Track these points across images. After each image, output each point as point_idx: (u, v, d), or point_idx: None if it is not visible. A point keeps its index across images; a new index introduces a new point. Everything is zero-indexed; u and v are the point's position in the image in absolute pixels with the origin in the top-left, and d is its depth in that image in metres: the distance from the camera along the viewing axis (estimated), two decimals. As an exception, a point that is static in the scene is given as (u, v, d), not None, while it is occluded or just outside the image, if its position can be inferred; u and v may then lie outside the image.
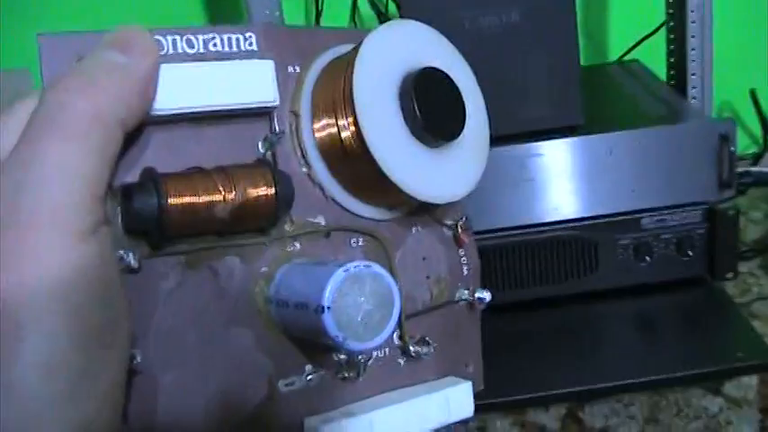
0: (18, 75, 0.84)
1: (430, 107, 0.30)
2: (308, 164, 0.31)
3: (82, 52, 0.26)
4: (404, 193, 0.30)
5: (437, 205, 0.33)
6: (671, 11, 0.98)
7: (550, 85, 0.74)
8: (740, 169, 0.93)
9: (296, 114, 0.30)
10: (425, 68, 0.30)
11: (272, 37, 0.30)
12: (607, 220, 0.73)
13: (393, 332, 0.29)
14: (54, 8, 1.03)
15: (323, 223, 0.31)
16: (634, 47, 1.06)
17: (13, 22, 0.98)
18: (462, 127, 0.32)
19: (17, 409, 0.22)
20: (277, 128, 0.30)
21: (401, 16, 0.77)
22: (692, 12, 0.93)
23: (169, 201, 0.26)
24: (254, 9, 0.87)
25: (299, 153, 0.31)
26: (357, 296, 0.27)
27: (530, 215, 0.73)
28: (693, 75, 0.95)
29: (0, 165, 0.23)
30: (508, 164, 0.71)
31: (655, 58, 1.01)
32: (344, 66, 0.30)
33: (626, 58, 1.07)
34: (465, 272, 0.36)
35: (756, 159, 1.06)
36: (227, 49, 0.29)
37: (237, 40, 0.29)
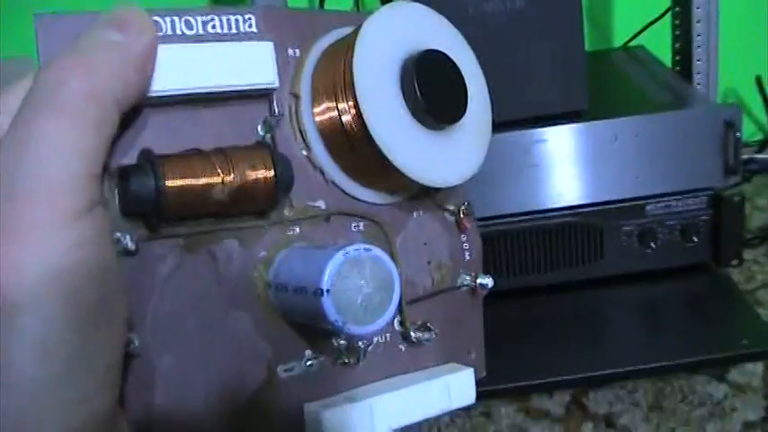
0: (21, 62, 0.84)
1: (431, 90, 0.30)
2: (308, 147, 0.30)
3: (79, 32, 0.25)
4: (405, 177, 0.30)
5: (439, 189, 0.33)
6: (676, -4, 0.97)
7: (555, 71, 0.74)
8: (745, 156, 0.92)
9: (296, 97, 0.30)
10: (427, 50, 0.30)
11: (272, 19, 0.30)
12: (612, 206, 0.73)
13: (393, 316, 0.29)
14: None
15: (323, 207, 0.31)
16: (639, 33, 1.06)
17: (15, 10, 0.98)
18: (464, 110, 0.31)
19: (14, 391, 0.22)
20: (276, 110, 0.30)
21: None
22: (698, -3, 0.92)
23: (166, 183, 0.26)
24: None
25: (299, 136, 0.30)
26: (357, 279, 0.26)
27: (534, 201, 0.72)
28: (699, 61, 0.94)
29: None
30: (513, 149, 0.71)
31: (660, 44, 1.00)
32: (345, 48, 0.29)
33: (631, 44, 1.07)
34: (467, 257, 0.36)
35: (762, 146, 1.05)
36: (226, 30, 0.29)
37: (237, 21, 0.29)
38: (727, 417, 0.63)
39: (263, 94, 0.30)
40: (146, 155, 0.26)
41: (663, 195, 0.73)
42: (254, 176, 0.27)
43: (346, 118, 0.29)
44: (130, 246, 0.26)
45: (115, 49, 0.25)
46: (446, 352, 0.35)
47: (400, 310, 0.33)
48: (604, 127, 0.72)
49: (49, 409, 0.22)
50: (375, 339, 0.32)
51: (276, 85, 0.29)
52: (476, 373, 0.34)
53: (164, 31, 0.27)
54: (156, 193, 0.25)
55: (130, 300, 0.26)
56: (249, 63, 0.29)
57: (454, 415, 0.66)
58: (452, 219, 0.35)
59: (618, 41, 1.14)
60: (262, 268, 0.29)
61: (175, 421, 0.27)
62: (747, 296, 0.76)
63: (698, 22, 0.93)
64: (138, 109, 0.27)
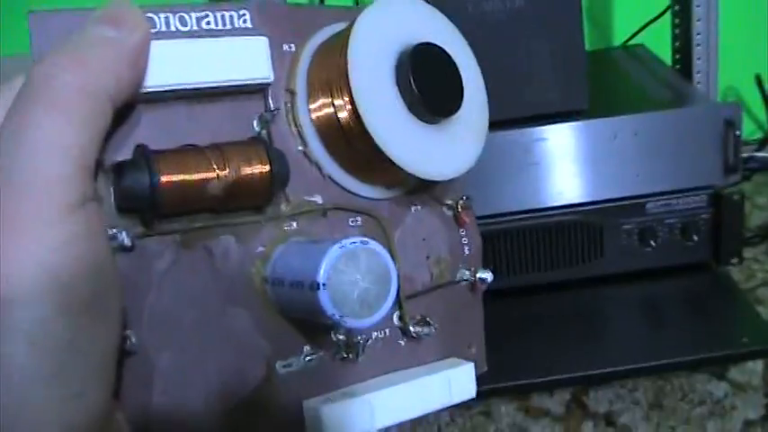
0: (21, 61, 0.84)
1: (427, 83, 0.30)
2: (304, 142, 0.30)
3: (72, 29, 0.25)
4: (402, 171, 0.30)
5: (436, 183, 0.33)
6: (676, -5, 0.97)
7: (555, 70, 0.74)
8: (745, 155, 0.92)
9: (292, 93, 0.30)
10: (421, 44, 0.30)
11: (267, 14, 0.30)
12: (612, 204, 0.73)
13: (390, 310, 0.29)
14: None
15: (320, 202, 0.31)
16: (639, 31, 1.06)
17: (15, 9, 0.98)
18: (460, 102, 0.31)
19: (8, 385, 0.22)
20: (272, 106, 0.30)
21: None
22: (698, -4, 0.92)
23: (161, 178, 0.26)
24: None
25: (295, 132, 0.30)
26: (353, 273, 0.26)
27: (534, 199, 0.72)
28: (698, 59, 0.94)
29: None
30: (513, 148, 0.71)
31: (660, 42, 1.00)
32: (339, 44, 0.29)
33: (631, 42, 1.07)
34: (466, 252, 0.36)
35: (762, 145, 1.05)
36: (220, 26, 0.29)
37: (231, 17, 0.29)
38: (727, 415, 0.63)
39: (259, 90, 0.30)
40: (140, 151, 0.26)
41: (663, 194, 0.73)
42: (249, 171, 0.27)
43: (342, 114, 0.29)
44: (126, 242, 0.26)
45: (108, 45, 0.25)
46: (446, 347, 0.35)
47: (399, 305, 0.33)
48: (604, 125, 0.72)
49: (43, 403, 0.22)
50: (374, 334, 0.32)
51: (271, 80, 0.29)
52: (477, 367, 0.34)
53: (158, 27, 0.27)
54: (150, 189, 0.25)
55: (127, 296, 0.26)
56: (244, 58, 0.28)
57: (455, 414, 0.66)
58: (451, 213, 0.35)
59: (618, 40, 1.14)
60: (259, 264, 0.29)
61: (174, 418, 0.27)
62: (747, 294, 0.76)
63: (698, 20, 0.93)
64: (133, 105, 0.27)
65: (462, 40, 0.33)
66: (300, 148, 0.30)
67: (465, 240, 0.36)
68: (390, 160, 0.29)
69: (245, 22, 0.29)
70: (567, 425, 0.64)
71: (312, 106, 0.30)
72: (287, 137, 0.30)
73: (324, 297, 0.26)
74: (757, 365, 0.67)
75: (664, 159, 0.73)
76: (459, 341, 0.35)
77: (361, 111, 0.28)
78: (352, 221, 0.32)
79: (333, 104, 0.29)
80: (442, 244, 0.35)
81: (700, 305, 0.74)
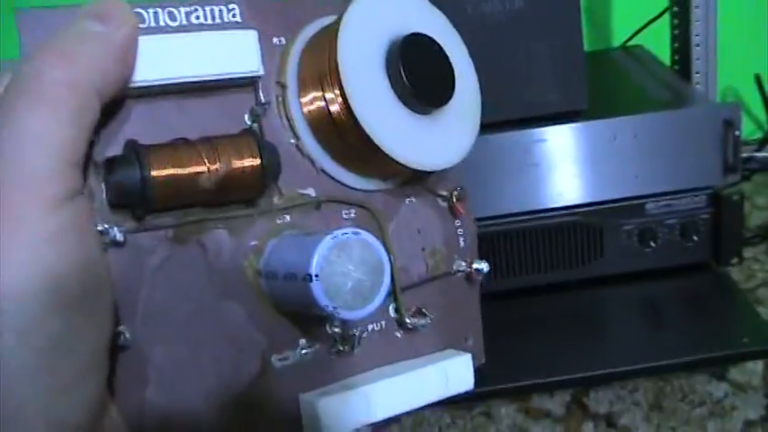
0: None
1: (418, 73, 0.29)
2: (296, 135, 0.30)
3: (60, 26, 0.25)
4: (395, 163, 0.29)
5: (430, 173, 0.33)
6: (675, -5, 0.98)
7: (554, 71, 0.74)
8: (745, 155, 0.92)
9: (282, 86, 0.30)
10: (412, 34, 0.30)
11: (256, 8, 0.30)
12: (611, 205, 0.73)
13: (386, 302, 0.29)
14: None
15: (313, 195, 0.31)
16: (638, 32, 1.06)
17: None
18: (452, 92, 0.31)
19: None
20: (263, 99, 0.30)
21: None
22: (697, -4, 0.93)
23: (152, 172, 0.26)
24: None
25: (286, 125, 0.30)
26: (345, 264, 0.26)
27: (534, 201, 0.73)
28: (697, 60, 0.95)
29: None
30: (513, 149, 0.71)
31: (659, 43, 1.00)
32: (329, 36, 0.29)
33: (630, 43, 1.07)
34: (461, 243, 0.35)
35: (761, 145, 1.05)
36: (209, 21, 0.29)
37: (221, 11, 0.29)
38: (727, 416, 0.63)
39: (249, 84, 0.29)
40: (131, 145, 0.26)
41: (662, 194, 0.73)
42: (240, 164, 0.27)
43: (333, 106, 0.29)
44: (118, 237, 0.26)
45: (95, 40, 0.25)
46: (443, 338, 0.34)
47: (395, 296, 0.33)
48: (604, 126, 0.72)
49: (31, 399, 0.22)
50: (370, 327, 0.32)
51: (261, 73, 0.29)
52: (474, 359, 0.33)
53: (147, 22, 0.27)
54: (141, 184, 0.25)
55: (120, 292, 0.26)
56: (233, 52, 0.28)
57: (456, 416, 0.66)
58: (445, 204, 0.35)
59: (617, 41, 1.14)
60: (252, 257, 0.29)
61: (169, 413, 0.27)
62: (747, 295, 0.76)
63: (697, 21, 0.93)
64: (123, 100, 0.27)
65: (453, 29, 0.33)
66: (292, 141, 0.30)
67: (460, 231, 0.35)
68: (382, 152, 0.29)
69: (234, 16, 0.29)
70: (568, 426, 0.64)
71: (303, 99, 0.30)
72: (279, 130, 0.30)
73: (317, 289, 0.25)
74: (757, 366, 0.68)
75: (663, 160, 0.73)
76: (456, 333, 0.35)
77: (351, 103, 0.28)
78: (345, 214, 0.32)
79: (324, 97, 0.29)
80: (437, 235, 0.34)
81: (700, 305, 0.74)
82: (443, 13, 0.33)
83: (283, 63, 0.30)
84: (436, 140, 0.31)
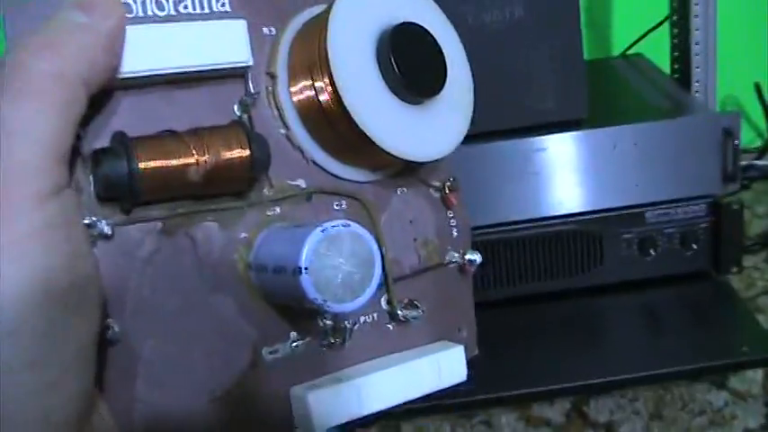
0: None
1: (409, 63, 0.29)
2: (286, 126, 0.30)
3: (47, 18, 0.25)
4: (385, 153, 0.29)
5: (421, 164, 0.33)
6: (675, 4, 0.98)
7: (554, 80, 0.74)
8: (744, 163, 0.92)
9: (272, 76, 0.30)
10: (403, 23, 0.30)
11: None
12: (611, 213, 0.73)
13: (378, 293, 0.28)
14: None
15: (303, 186, 0.30)
16: (638, 41, 1.06)
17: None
18: (443, 82, 0.31)
19: None
20: (252, 89, 0.29)
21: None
22: (696, 5, 0.93)
23: (140, 165, 0.25)
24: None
25: (276, 115, 0.30)
26: (335, 256, 0.26)
27: (534, 209, 0.73)
28: (697, 68, 0.95)
29: None
30: (513, 157, 0.71)
31: (658, 51, 1.01)
32: (319, 26, 0.29)
33: (630, 51, 1.07)
34: (454, 234, 0.35)
35: (761, 153, 1.05)
36: (198, 10, 0.28)
37: (209, 0, 0.28)
38: (727, 424, 0.63)
39: (239, 74, 0.29)
40: (118, 138, 0.26)
41: (662, 203, 0.73)
42: (229, 156, 0.27)
43: (323, 96, 0.29)
44: (107, 230, 0.26)
45: (81, 31, 0.24)
46: (436, 330, 0.34)
47: (387, 288, 0.32)
48: (604, 135, 0.72)
49: (16, 394, 0.22)
50: (362, 319, 0.32)
51: (250, 63, 0.29)
52: (467, 350, 0.33)
53: (134, 12, 0.27)
54: (129, 176, 0.25)
55: (109, 285, 0.26)
56: (222, 42, 0.28)
57: (456, 425, 0.65)
58: (438, 195, 0.35)
59: (617, 49, 1.14)
60: (242, 250, 0.29)
61: (159, 408, 0.27)
62: (747, 303, 0.76)
63: (696, 29, 0.94)
64: (111, 91, 0.26)
65: (445, 18, 0.33)
66: (282, 131, 0.30)
67: (453, 222, 0.35)
68: (373, 142, 0.29)
69: (222, 5, 0.29)
70: (568, 434, 0.64)
71: (293, 89, 0.30)
72: (268, 121, 0.30)
73: (306, 282, 0.25)
74: (757, 374, 0.67)
75: (663, 168, 0.73)
76: (449, 324, 0.35)
77: (341, 92, 0.28)
78: (336, 205, 0.31)
79: (314, 87, 0.29)
80: (429, 226, 0.34)
81: (700, 314, 0.74)
82: None
83: (273, 53, 0.30)
84: (428, 131, 0.31)
